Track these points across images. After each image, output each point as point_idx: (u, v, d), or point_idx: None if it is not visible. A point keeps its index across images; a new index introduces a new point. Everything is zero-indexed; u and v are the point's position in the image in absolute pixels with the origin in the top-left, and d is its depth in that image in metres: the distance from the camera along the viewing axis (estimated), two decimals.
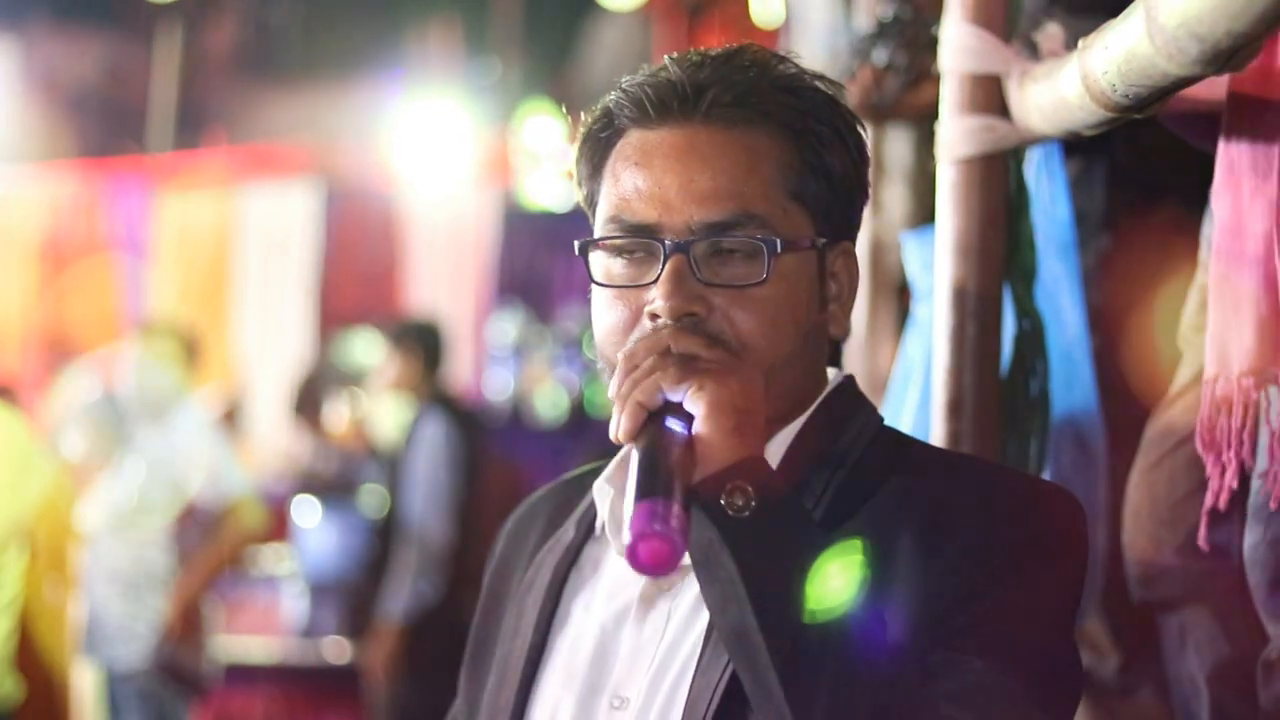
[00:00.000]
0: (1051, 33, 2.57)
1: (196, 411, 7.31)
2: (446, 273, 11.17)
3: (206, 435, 7.17)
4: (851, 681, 1.59)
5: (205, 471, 6.93)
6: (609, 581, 1.88)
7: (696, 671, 1.74)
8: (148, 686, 6.85)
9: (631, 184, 1.81)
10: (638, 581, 1.83)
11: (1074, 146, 2.75)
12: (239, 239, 11.52)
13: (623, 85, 1.85)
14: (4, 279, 11.80)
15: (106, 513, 6.95)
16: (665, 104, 1.81)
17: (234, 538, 7.03)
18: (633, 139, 1.83)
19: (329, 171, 11.68)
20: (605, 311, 1.82)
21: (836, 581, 1.62)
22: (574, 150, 1.90)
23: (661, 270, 1.76)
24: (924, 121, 2.82)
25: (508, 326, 10.44)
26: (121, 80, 14.38)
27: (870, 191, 1.93)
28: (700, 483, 1.64)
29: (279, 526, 9.57)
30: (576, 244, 1.85)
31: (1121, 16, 1.89)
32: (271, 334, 11.31)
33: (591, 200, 1.88)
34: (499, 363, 10.44)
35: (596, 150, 1.87)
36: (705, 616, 1.75)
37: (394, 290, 11.32)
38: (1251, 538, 2.19)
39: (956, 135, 2.49)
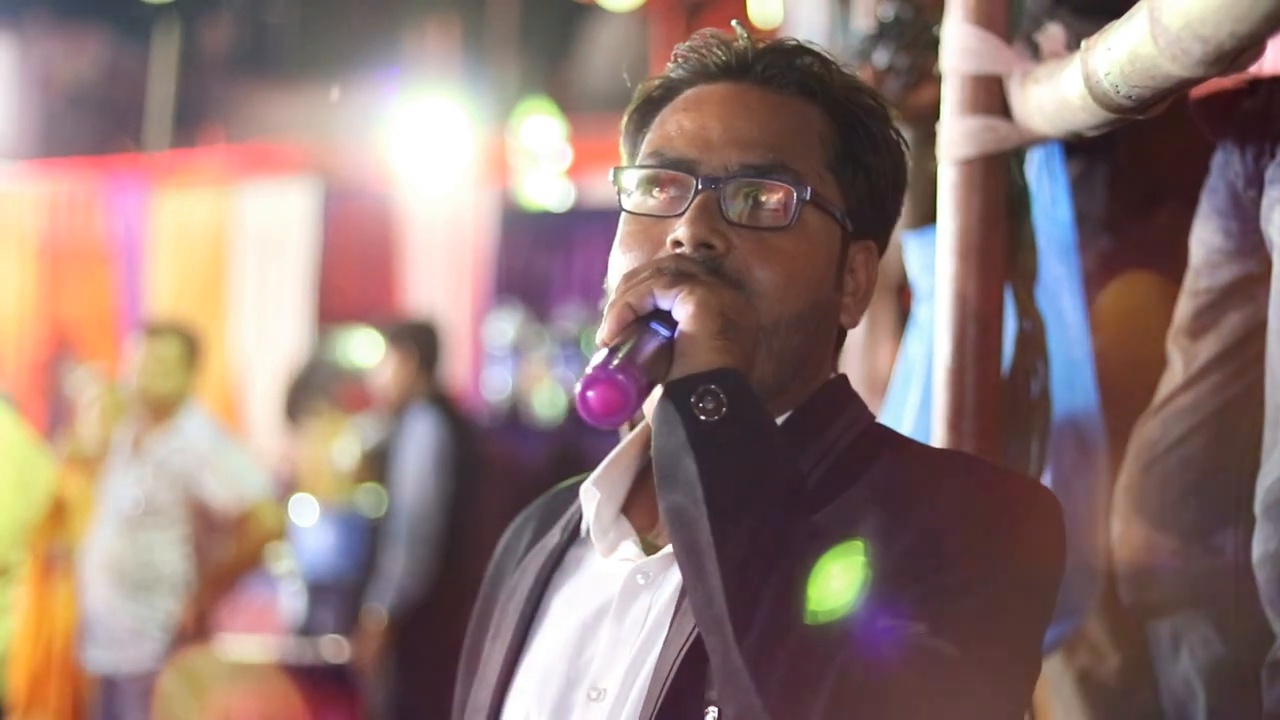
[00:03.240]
0: (1053, 33, 2.58)
1: (203, 413, 7.29)
2: (444, 272, 11.17)
3: (216, 437, 7.16)
4: (793, 606, 1.57)
5: (219, 474, 6.92)
6: (591, 579, 1.89)
7: (663, 647, 1.74)
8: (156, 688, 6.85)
9: (676, 125, 1.85)
10: (618, 577, 1.83)
11: (1075, 147, 2.75)
12: (236, 238, 11.52)
13: (682, 51, 1.90)
14: (1, 277, 11.79)
15: (111, 513, 6.93)
16: (723, 61, 1.86)
17: (254, 541, 7.02)
18: (687, 94, 1.88)
19: (327, 170, 11.67)
20: (628, 243, 1.84)
21: (798, 515, 1.62)
22: (625, 122, 1.94)
23: (690, 203, 1.79)
24: (925, 122, 2.82)
25: (505, 326, 10.44)
26: (119, 78, 14.38)
27: (900, 209, 1.95)
28: (674, 381, 1.65)
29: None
30: (611, 170, 1.88)
31: (1124, 18, 1.89)
32: (269, 333, 11.31)
33: (633, 155, 1.92)
34: (497, 362, 10.44)
35: (649, 110, 1.91)
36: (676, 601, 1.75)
37: (392, 290, 11.32)
38: (1262, 537, 2.19)
39: (958, 136, 2.49)
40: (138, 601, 6.81)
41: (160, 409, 7.02)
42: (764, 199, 1.80)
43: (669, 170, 1.82)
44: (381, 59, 13.02)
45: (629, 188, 1.85)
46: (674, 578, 1.78)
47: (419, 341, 7.86)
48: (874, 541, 1.67)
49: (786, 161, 1.80)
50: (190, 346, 7.20)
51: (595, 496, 1.89)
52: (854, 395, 1.92)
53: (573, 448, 9.43)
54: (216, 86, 14.89)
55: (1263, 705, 2.24)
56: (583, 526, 1.93)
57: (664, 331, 1.66)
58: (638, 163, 1.87)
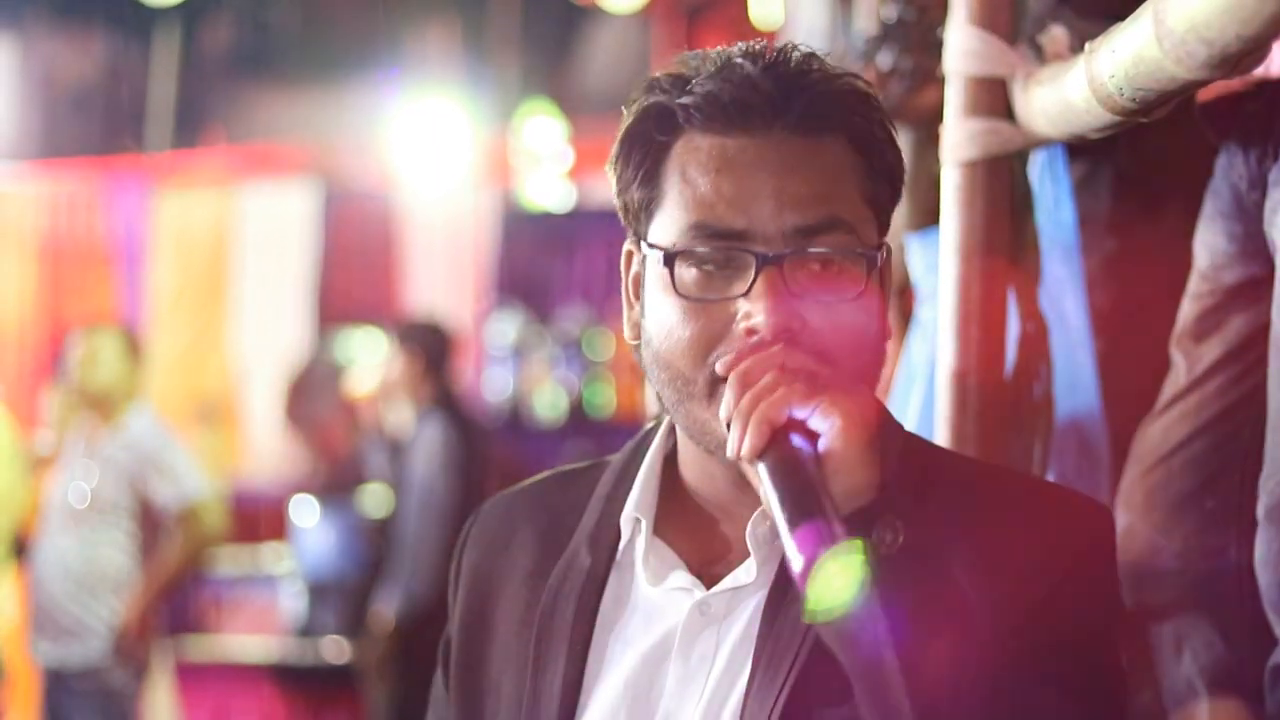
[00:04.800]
0: (1056, 35, 2.57)
1: (150, 412, 7.34)
2: (445, 273, 11.17)
3: (162, 437, 7.21)
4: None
5: (162, 473, 6.97)
6: (645, 612, 1.84)
7: (748, 696, 1.70)
8: (103, 685, 6.89)
9: (714, 190, 1.73)
10: (676, 610, 1.80)
11: (1078, 150, 2.75)
12: (237, 238, 11.51)
13: (691, 87, 1.76)
14: (2, 277, 11.79)
15: (59, 510, 7.00)
16: (747, 111, 1.74)
17: (194, 541, 7.06)
18: (703, 144, 1.76)
19: (327, 171, 11.67)
20: (682, 323, 1.75)
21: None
22: (616, 151, 1.83)
23: (754, 281, 1.71)
24: (928, 124, 2.82)
25: (506, 327, 10.43)
26: (120, 79, 14.36)
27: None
28: (853, 514, 1.59)
29: (277, 526, 9.58)
30: (661, 254, 1.77)
31: (1129, 20, 1.89)
32: (269, 333, 11.30)
33: (646, 205, 1.80)
34: (498, 363, 10.43)
35: (649, 154, 1.79)
36: (756, 643, 1.73)
37: (392, 290, 11.32)
38: (1264, 539, 2.19)
39: (961, 138, 2.49)
40: (84, 597, 6.89)
41: (103, 407, 7.09)
42: (824, 264, 1.73)
43: (723, 244, 1.73)
44: (382, 60, 13.01)
45: (670, 264, 1.76)
46: (743, 613, 1.76)
47: (426, 342, 7.84)
48: (966, 592, 1.64)
49: (838, 214, 1.73)
50: (128, 344, 7.26)
51: (640, 523, 1.85)
52: (884, 411, 1.87)
53: (573, 449, 9.43)
54: (217, 87, 14.88)
55: (1266, 708, 2.24)
56: (620, 549, 1.88)
57: (806, 448, 1.62)
58: (669, 241, 1.76)
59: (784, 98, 1.74)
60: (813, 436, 1.62)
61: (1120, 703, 1.75)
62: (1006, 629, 1.63)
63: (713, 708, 1.73)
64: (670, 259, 1.75)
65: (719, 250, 1.73)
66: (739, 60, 1.77)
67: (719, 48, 1.82)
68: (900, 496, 1.68)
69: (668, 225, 1.77)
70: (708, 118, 1.75)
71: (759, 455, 1.62)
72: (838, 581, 1.51)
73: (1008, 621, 1.64)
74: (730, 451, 1.65)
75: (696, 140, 1.76)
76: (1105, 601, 1.75)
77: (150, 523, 7.02)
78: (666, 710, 1.77)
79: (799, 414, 1.62)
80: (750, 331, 1.71)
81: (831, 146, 1.76)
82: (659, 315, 1.78)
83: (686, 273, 1.75)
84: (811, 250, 1.72)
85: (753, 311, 1.71)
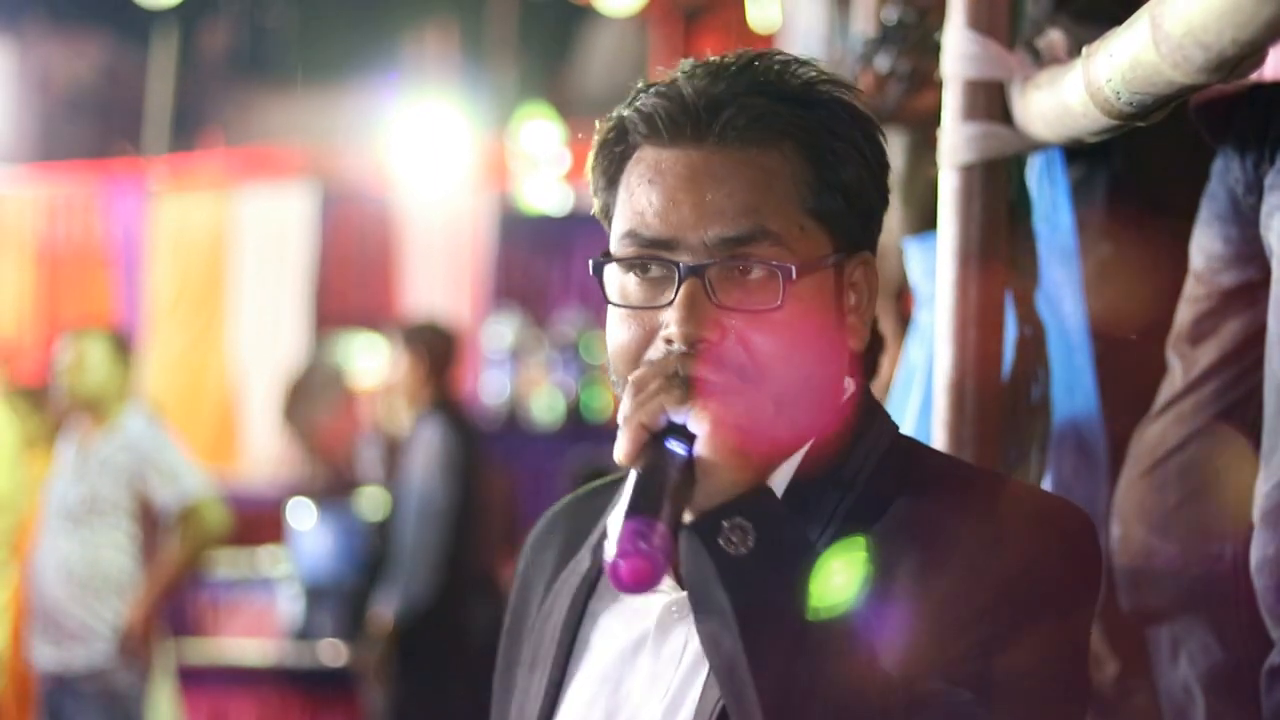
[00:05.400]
0: (1054, 39, 2.58)
1: (145, 413, 7.35)
2: (443, 276, 11.17)
3: (158, 437, 7.21)
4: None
5: (160, 473, 6.97)
6: (628, 610, 1.87)
7: (704, 693, 1.73)
8: (108, 687, 6.89)
9: (645, 200, 1.77)
10: (655, 609, 1.82)
11: (1076, 153, 2.75)
12: (235, 241, 11.51)
13: (636, 100, 1.81)
14: (0, 281, 11.79)
15: (58, 514, 7.00)
16: (678, 124, 1.77)
17: (196, 540, 7.06)
18: (646, 156, 1.80)
19: (325, 174, 11.67)
20: (618, 329, 1.80)
21: (834, 610, 1.61)
22: (590, 159, 1.87)
23: (676, 292, 1.74)
24: (926, 128, 2.82)
25: (504, 330, 10.44)
26: (118, 82, 14.38)
27: (890, 197, 1.90)
28: (700, 516, 1.61)
29: (275, 529, 9.58)
30: (591, 261, 1.82)
31: (1126, 24, 1.89)
32: (267, 336, 11.30)
33: (607, 212, 1.85)
34: (495, 366, 10.43)
35: (611, 163, 1.84)
36: None
37: (390, 294, 11.32)
38: (1260, 542, 2.19)
39: (959, 141, 2.49)
40: (87, 600, 6.89)
41: (96, 410, 7.09)
42: (750, 275, 1.75)
43: (649, 252, 1.77)
44: (380, 63, 13.03)
45: (610, 276, 1.81)
46: None
47: (431, 344, 7.83)
48: (910, 589, 1.66)
49: (765, 225, 1.74)
50: (117, 346, 7.27)
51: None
52: (873, 409, 1.89)
53: (571, 453, 9.43)
54: (215, 90, 14.90)
55: (1262, 711, 2.24)
56: None
57: (682, 451, 1.63)
58: (614, 248, 1.80)
59: (713, 111, 1.76)
60: (692, 441, 1.64)
61: (1066, 712, 1.73)
62: (946, 624, 1.64)
63: (675, 702, 1.76)
64: (599, 267, 1.81)
65: (645, 259, 1.77)
66: (685, 74, 1.80)
67: (707, 56, 1.84)
68: (796, 500, 1.75)
69: (612, 233, 1.83)
70: (648, 131, 1.79)
71: (632, 459, 1.64)
72: (644, 574, 1.55)
73: (951, 616, 1.64)
74: (615, 455, 1.68)
75: (643, 152, 1.81)
76: (1064, 608, 1.73)
77: (150, 523, 7.03)
78: (635, 704, 1.80)
79: (678, 418, 1.65)
80: (668, 340, 1.74)
81: (765, 157, 1.77)
82: (608, 321, 1.83)
83: (620, 280, 1.80)
84: (732, 261, 1.74)
85: (670, 321, 1.74)
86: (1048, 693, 1.67)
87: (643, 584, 1.56)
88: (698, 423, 1.63)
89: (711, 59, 1.82)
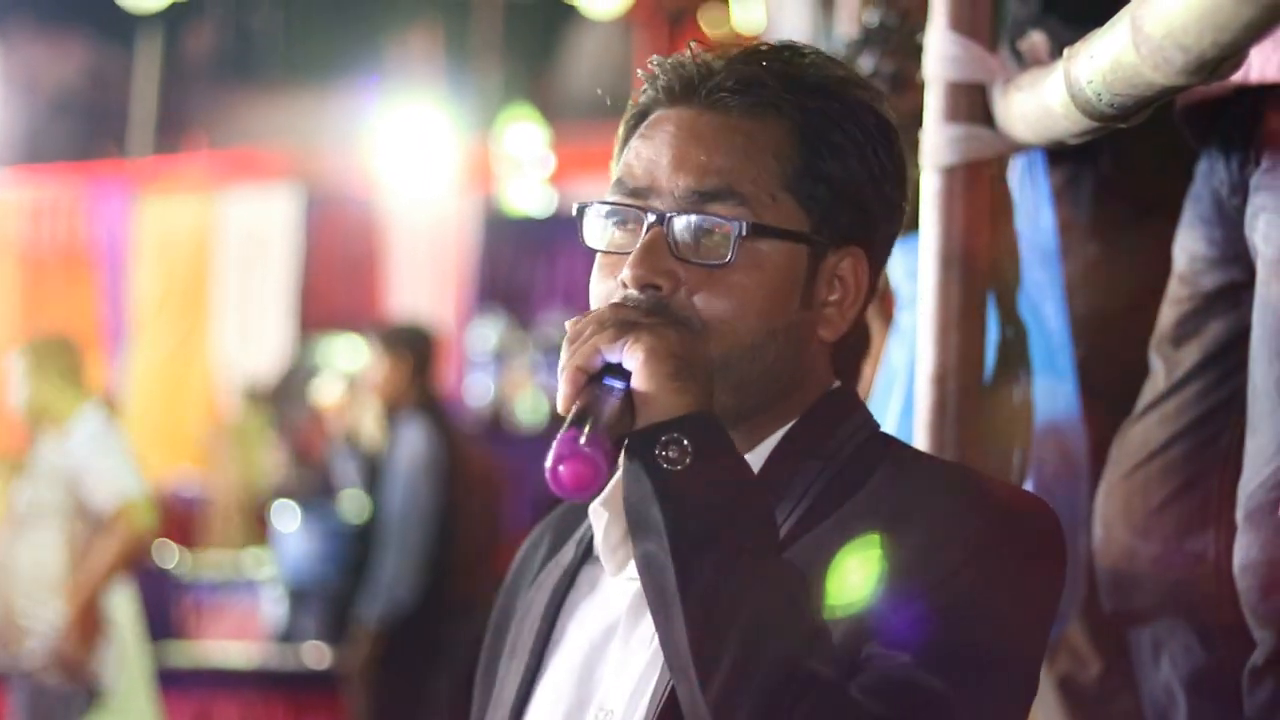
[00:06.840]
0: (1036, 41, 2.58)
1: (95, 418, 7.37)
2: (427, 278, 11.17)
3: (101, 440, 7.23)
4: (760, 651, 1.57)
5: (96, 473, 7.00)
6: (602, 599, 1.87)
7: (662, 671, 1.73)
8: (42, 686, 6.91)
9: (634, 152, 1.82)
10: (627, 596, 1.82)
11: (1058, 155, 2.75)
12: (219, 244, 11.51)
13: (647, 71, 1.87)
14: None
15: (9, 517, 7.09)
16: (673, 87, 1.82)
17: (126, 540, 7.06)
18: (650, 117, 1.84)
19: (310, 177, 11.67)
20: (597, 279, 1.82)
21: (765, 550, 1.62)
22: (619, 133, 1.91)
23: (640, 240, 1.77)
24: (908, 129, 2.82)
25: (488, 332, 10.44)
26: (102, 84, 14.36)
27: (899, 201, 1.91)
28: (636, 432, 1.63)
29: (259, 531, 9.57)
30: (575, 205, 1.86)
31: (1107, 26, 1.89)
32: (252, 339, 11.29)
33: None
34: (479, 369, 10.44)
35: (628, 134, 1.88)
36: None
37: (375, 296, 11.32)
38: (1243, 543, 2.19)
39: (941, 143, 2.49)
40: (32, 600, 6.90)
41: (50, 417, 7.14)
42: (714, 234, 1.76)
43: (626, 201, 1.80)
44: (365, 65, 13.02)
45: (593, 223, 1.84)
46: None
47: (414, 347, 7.83)
48: (866, 557, 1.66)
49: (734, 186, 1.76)
50: (65, 353, 7.31)
51: (604, 516, 1.85)
52: (857, 405, 1.90)
53: None
54: (200, 92, 14.88)
55: (1244, 712, 2.24)
56: (595, 545, 1.90)
57: (619, 385, 1.65)
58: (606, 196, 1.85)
59: (705, 75, 1.81)
60: (628, 376, 1.66)
61: (1006, 693, 1.72)
62: (899, 591, 1.64)
63: (639, 688, 1.76)
64: (581, 210, 1.84)
65: (619, 206, 1.81)
66: (696, 51, 1.85)
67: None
68: (770, 474, 1.77)
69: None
70: (654, 93, 1.84)
71: (570, 404, 1.65)
72: (585, 477, 1.57)
73: (905, 584, 1.64)
74: (557, 405, 1.69)
75: (649, 116, 1.85)
76: (1016, 592, 1.73)
77: (87, 524, 7.06)
78: (605, 692, 1.80)
79: (612, 357, 1.66)
80: (624, 285, 1.76)
81: (750, 125, 1.80)
82: (591, 276, 1.85)
83: (608, 229, 1.82)
84: (694, 213, 1.76)
85: (625, 267, 1.76)
86: (991, 673, 1.67)
87: (583, 486, 1.58)
88: (630, 356, 1.64)
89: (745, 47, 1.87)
